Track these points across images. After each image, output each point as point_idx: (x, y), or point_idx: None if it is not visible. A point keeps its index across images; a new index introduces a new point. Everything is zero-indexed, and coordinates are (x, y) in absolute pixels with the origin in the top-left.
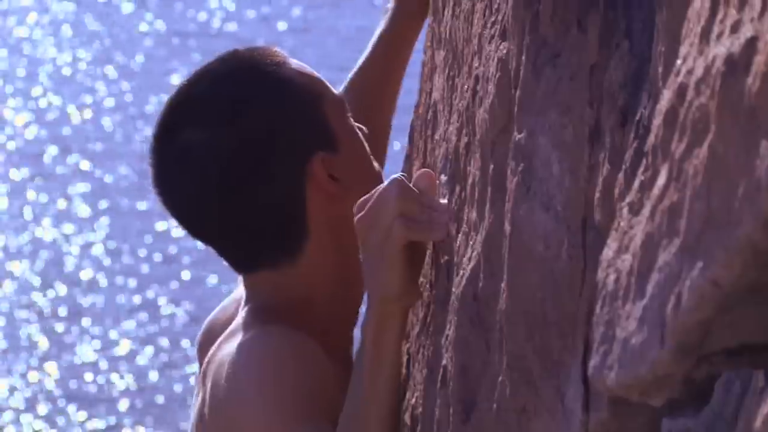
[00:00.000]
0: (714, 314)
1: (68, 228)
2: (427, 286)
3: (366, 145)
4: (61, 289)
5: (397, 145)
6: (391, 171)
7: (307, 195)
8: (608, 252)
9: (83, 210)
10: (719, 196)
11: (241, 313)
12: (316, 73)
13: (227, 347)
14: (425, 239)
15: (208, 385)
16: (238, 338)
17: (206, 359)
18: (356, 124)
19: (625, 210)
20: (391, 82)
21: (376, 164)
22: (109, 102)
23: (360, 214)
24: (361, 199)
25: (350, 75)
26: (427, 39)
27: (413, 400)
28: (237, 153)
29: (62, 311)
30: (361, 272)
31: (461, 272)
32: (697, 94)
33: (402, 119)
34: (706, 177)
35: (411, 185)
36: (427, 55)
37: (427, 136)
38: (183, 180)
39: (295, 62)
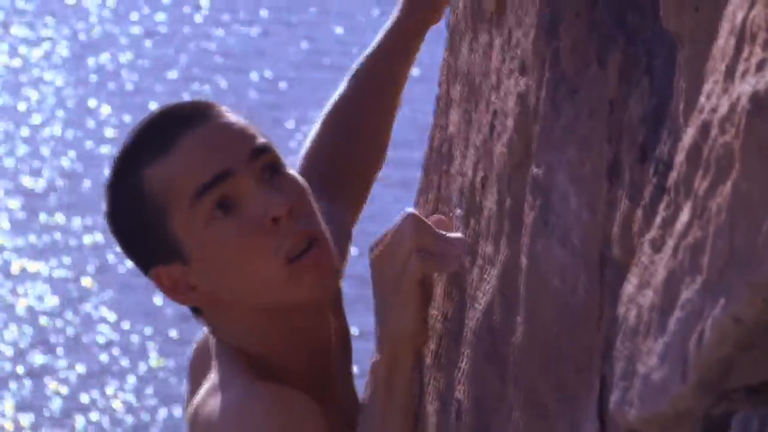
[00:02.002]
0: (735, 351)
1: None
2: (440, 318)
3: (253, 242)
4: None
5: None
6: (405, 202)
7: (169, 297)
8: (629, 287)
9: None
10: (742, 234)
11: (216, 362)
12: (190, 163)
13: (211, 403)
14: (440, 271)
15: None
16: (220, 396)
17: (190, 409)
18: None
19: (647, 245)
20: (397, 75)
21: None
22: None
23: (375, 251)
24: (377, 237)
25: (356, 64)
26: (441, 73)
27: None
28: (117, 236)
29: None
30: (289, 327)
31: (476, 305)
32: (721, 132)
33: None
34: (730, 214)
35: (424, 219)
36: (442, 89)
37: (442, 171)
38: None
39: (180, 147)
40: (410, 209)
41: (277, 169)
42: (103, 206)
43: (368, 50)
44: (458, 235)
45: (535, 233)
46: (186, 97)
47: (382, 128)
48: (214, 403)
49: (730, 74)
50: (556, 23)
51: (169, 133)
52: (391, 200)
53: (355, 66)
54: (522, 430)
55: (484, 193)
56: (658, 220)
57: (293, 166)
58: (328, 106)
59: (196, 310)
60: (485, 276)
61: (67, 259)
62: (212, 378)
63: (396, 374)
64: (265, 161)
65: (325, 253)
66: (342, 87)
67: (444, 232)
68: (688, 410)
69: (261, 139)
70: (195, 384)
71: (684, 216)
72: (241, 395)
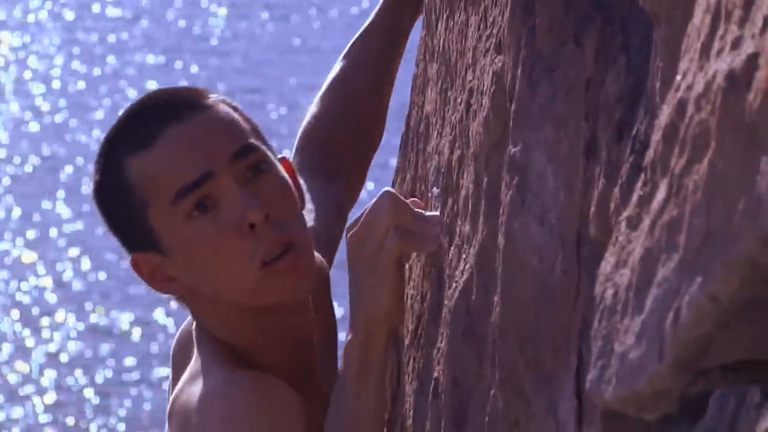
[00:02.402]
0: (712, 330)
1: None
2: (418, 298)
3: (227, 241)
4: None
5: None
6: (383, 184)
7: (149, 282)
8: (606, 266)
9: None
10: (719, 212)
11: (197, 350)
12: (172, 161)
13: (190, 391)
14: (418, 251)
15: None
16: (200, 383)
17: (171, 399)
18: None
19: (624, 224)
20: (391, 53)
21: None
22: None
23: (352, 231)
24: (355, 217)
25: (351, 43)
26: (419, 52)
27: (403, 411)
28: (101, 214)
29: None
30: (269, 340)
31: (454, 285)
32: (697, 110)
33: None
34: (706, 192)
35: (402, 198)
36: (419, 68)
37: (419, 149)
38: None
39: (163, 141)
40: (387, 188)
41: (261, 169)
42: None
43: (362, 28)
44: (436, 213)
45: (513, 212)
46: (167, 81)
47: (379, 106)
48: (193, 391)
49: (705, 52)
50: (531, 1)
51: (153, 124)
52: (369, 181)
53: (349, 45)
54: (500, 409)
55: (461, 172)
56: (634, 198)
57: (280, 151)
58: (324, 84)
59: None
60: (463, 255)
61: None
62: (192, 366)
63: (370, 354)
64: (249, 162)
65: (301, 258)
66: (337, 66)
67: (422, 212)
68: (665, 389)
69: (247, 138)
70: (177, 373)
71: (660, 194)
72: (221, 383)
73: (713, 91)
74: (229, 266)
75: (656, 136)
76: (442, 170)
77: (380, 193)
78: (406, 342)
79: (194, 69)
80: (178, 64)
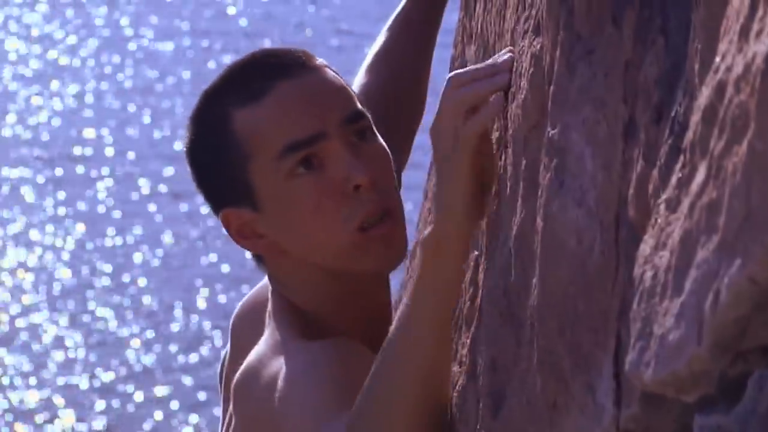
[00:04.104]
0: (751, 312)
1: None
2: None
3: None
4: None
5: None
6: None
7: (235, 241)
8: (645, 248)
9: None
10: (758, 194)
11: (273, 320)
12: (283, 116)
13: (270, 365)
14: (492, 112)
15: (251, 404)
16: (282, 356)
17: (244, 364)
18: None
19: (662, 206)
20: (430, 26)
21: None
22: None
23: (430, 129)
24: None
25: (392, 17)
26: (457, 34)
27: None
28: (193, 169)
29: None
30: (347, 310)
31: (492, 267)
32: (736, 92)
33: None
34: (746, 174)
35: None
36: (457, 50)
37: None
38: None
39: (273, 96)
40: (452, 73)
41: (366, 136)
42: (185, 137)
43: (401, 4)
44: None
45: (551, 194)
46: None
47: (421, 75)
48: (279, 363)
49: (744, 34)
50: None
51: (265, 77)
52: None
53: (391, 19)
54: (538, 391)
55: (499, 154)
56: (673, 180)
57: None
58: (368, 56)
59: (259, 258)
60: (501, 237)
61: None
62: (267, 339)
63: (441, 255)
64: (357, 127)
65: (397, 227)
66: (380, 38)
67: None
68: (704, 371)
69: (357, 104)
70: (238, 344)
71: (699, 176)
72: (309, 354)
73: (752, 72)
74: (324, 226)
75: (695, 118)
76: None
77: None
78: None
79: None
80: (205, 43)
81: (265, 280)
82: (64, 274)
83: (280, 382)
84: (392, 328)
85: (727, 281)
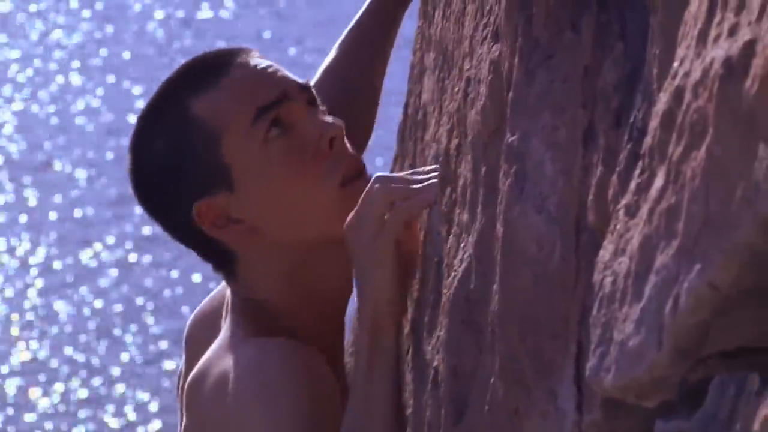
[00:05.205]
0: (711, 317)
1: None
2: (417, 287)
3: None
4: None
5: (380, 161)
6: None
7: (211, 234)
8: (604, 254)
9: None
10: (717, 199)
11: (231, 317)
12: (245, 87)
13: (220, 363)
14: (420, 207)
15: (202, 402)
16: (232, 354)
17: (196, 369)
18: (325, 119)
19: (622, 212)
20: (383, 43)
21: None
22: None
23: (347, 221)
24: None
25: (348, 28)
26: (416, 41)
27: (402, 400)
28: (143, 182)
29: None
30: (324, 284)
31: (453, 274)
32: (694, 97)
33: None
34: (704, 179)
35: (390, 175)
36: (416, 57)
37: (417, 138)
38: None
39: (229, 77)
40: (378, 173)
41: (317, 104)
42: (133, 151)
43: (356, 18)
44: (428, 169)
45: (511, 200)
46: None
47: (375, 83)
48: (226, 362)
49: (702, 39)
50: None
51: (214, 69)
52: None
53: (343, 34)
54: (500, 398)
55: (459, 161)
56: (632, 186)
57: None
58: (322, 66)
59: (222, 260)
60: (461, 244)
61: None
62: (223, 336)
63: (378, 341)
64: (311, 96)
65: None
66: (333, 51)
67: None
68: (664, 376)
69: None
70: (192, 354)
71: (658, 182)
72: (256, 354)
73: (710, 78)
74: (306, 190)
75: (654, 123)
76: (440, 159)
77: (372, 178)
78: (406, 330)
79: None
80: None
81: (220, 287)
82: None
83: (230, 384)
84: (345, 416)
85: (686, 286)
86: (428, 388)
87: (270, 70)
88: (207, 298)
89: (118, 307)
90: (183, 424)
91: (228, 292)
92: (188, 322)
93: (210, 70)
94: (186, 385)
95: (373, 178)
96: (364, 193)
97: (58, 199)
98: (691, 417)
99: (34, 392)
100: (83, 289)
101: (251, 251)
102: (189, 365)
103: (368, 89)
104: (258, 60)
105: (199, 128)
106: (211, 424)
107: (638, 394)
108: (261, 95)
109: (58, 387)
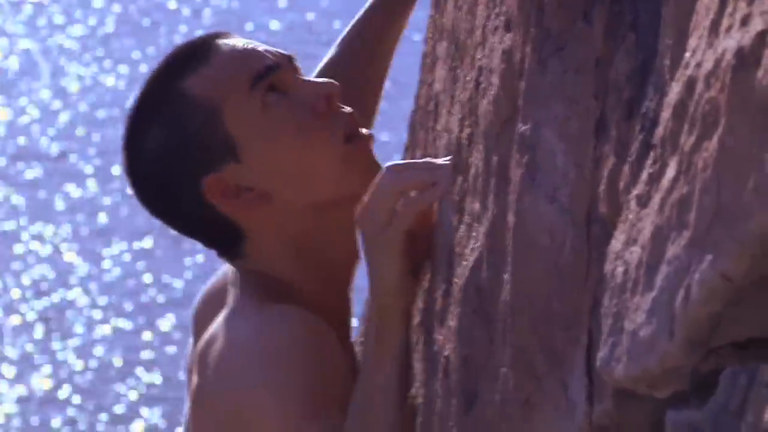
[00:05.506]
0: (723, 307)
1: None
2: (428, 276)
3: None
4: None
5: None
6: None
7: (221, 209)
8: (616, 244)
9: None
10: (729, 189)
11: (238, 290)
12: (237, 59)
13: (229, 328)
14: (431, 200)
15: (211, 365)
16: (241, 320)
17: (205, 336)
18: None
19: (633, 202)
20: (388, 39)
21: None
22: None
23: (358, 211)
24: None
25: (351, 24)
26: (428, 30)
27: (413, 390)
28: (143, 169)
29: None
30: (332, 251)
31: (464, 263)
32: (706, 87)
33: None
34: (716, 170)
35: (402, 163)
36: (428, 46)
37: (428, 127)
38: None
39: (218, 54)
40: (389, 163)
41: (303, 75)
42: (129, 147)
43: (360, 13)
44: (441, 160)
45: (523, 190)
46: None
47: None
48: (234, 329)
49: (714, 29)
50: None
51: (201, 48)
52: None
53: (346, 30)
54: (511, 388)
55: (470, 150)
56: (644, 176)
57: None
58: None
59: (229, 239)
60: (472, 234)
61: None
62: (230, 306)
63: (386, 328)
64: (297, 67)
65: (373, 144)
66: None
67: (425, 161)
68: (676, 367)
69: None
70: (200, 331)
71: (670, 172)
72: (266, 317)
73: (722, 68)
74: (312, 148)
75: (666, 114)
76: (452, 148)
77: (382, 169)
78: (416, 320)
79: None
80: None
81: (224, 267)
82: None
83: (237, 347)
84: (353, 399)
85: (698, 277)
86: (439, 377)
87: (255, 44)
88: (212, 278)
89: None
90: (193, 384)
91: (231, 271)
92: (194, 304)
93: (196, 52)
94: (197, 350)
95: (384, 168)
96: (374, 182)
97: None
98: (702, 407)
99: None
100: None
101: (260, 223)
102: (196, 340)
103: (371, 83)
104: (241, 39)
105: (198, 106)
106: (219, 386)
107: (650, 384)
108: (253, 65)
109: None
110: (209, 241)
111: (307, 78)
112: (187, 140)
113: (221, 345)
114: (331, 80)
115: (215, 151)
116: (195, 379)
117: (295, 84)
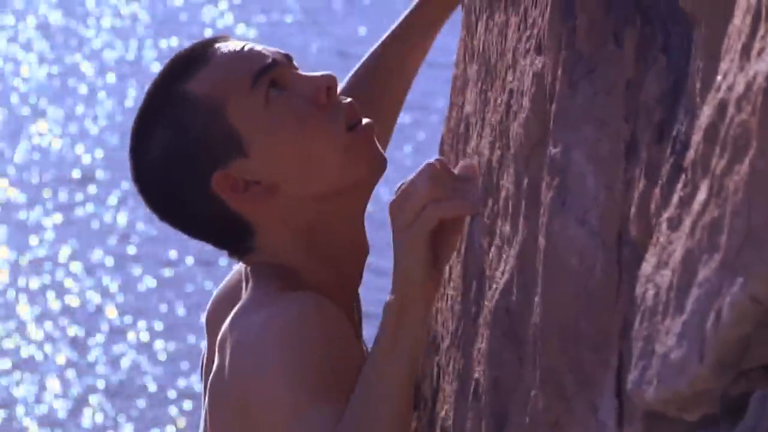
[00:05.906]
0: (753, 330)
1: None
2: (459, 299)
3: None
4: None
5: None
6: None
7: (230, 205)
8: (647, 267)
9: None
10: (760, 213)
11: (252, 284)
12: (237, 58)
13: (246, 316)
14: (458, 213)
15: (227, 352)
16: (259, 305)
17: (225, 326)
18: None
19: (664, 225)
20: (408, 65)
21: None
22: None
23: (393, 199)
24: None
25: (371, 50)
26: (459, 53)
27: (443, 412)
28: (151, 173)
29: None
30: (338, 241)
31: (494, 286)
32: (738, 111)
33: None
34: (747, 193)
35: (443, 167)
36: (459, 68)
37: (459, 150)
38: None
39: (218, 55)
40: (432, 159)
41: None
42: (136, 151)
43: (386, 34)
44: (477, 179)
45: (553, 213)
46: None
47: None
48: (251, 319)
49: (746, 53)
50: (572, 2)
51: (200, 51)
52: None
53: (371, 49)
54: (540, 410)
55: (501, 173)
56: (675, 199)
57: None
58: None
59: (239, 236)
60: (503, 256)
61: None
62: (244, 299)
63: (404, 319)
64: (294, 65)
65: (374, 132)
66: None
67: (463, 176)
68: (706, 390)
69: None
70: (214, 334)
71: (701, 195)
72: (281, 304)
73: (754, 91)
74: (315, 138)
75: (697, 137)
76: (482, 171)
77: (424, 164)
78: (447, 342)
79: None
80: None
81: (234, 271)
82: None
83: (254, 333)
84: (359, 382)
85: (729, 300)
86: (469, 399)
87: (253, 45)
88: (223, 282)
89: None
90: (211, 373)
91: (244, 269)
92: (208, 307)
93: (196, 56)
94: (217, 340)
95: (424, 163)
96: (415, 174)
97: None
98: (733, 430)
99: None
100: None
101: (269, 215)
102: (211, 347)
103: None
104: (239, 41)
105: (201, 105)
106: (236, 370)
107: (680, 407)
108: (254, 63)
109: None
110: (219, 240)
111: (306, 73)
112: (192, 140)
113: (237, 333)
114: (329, 73)
115: (221, 148)
116: (213, 367)
117: (295, 79)
